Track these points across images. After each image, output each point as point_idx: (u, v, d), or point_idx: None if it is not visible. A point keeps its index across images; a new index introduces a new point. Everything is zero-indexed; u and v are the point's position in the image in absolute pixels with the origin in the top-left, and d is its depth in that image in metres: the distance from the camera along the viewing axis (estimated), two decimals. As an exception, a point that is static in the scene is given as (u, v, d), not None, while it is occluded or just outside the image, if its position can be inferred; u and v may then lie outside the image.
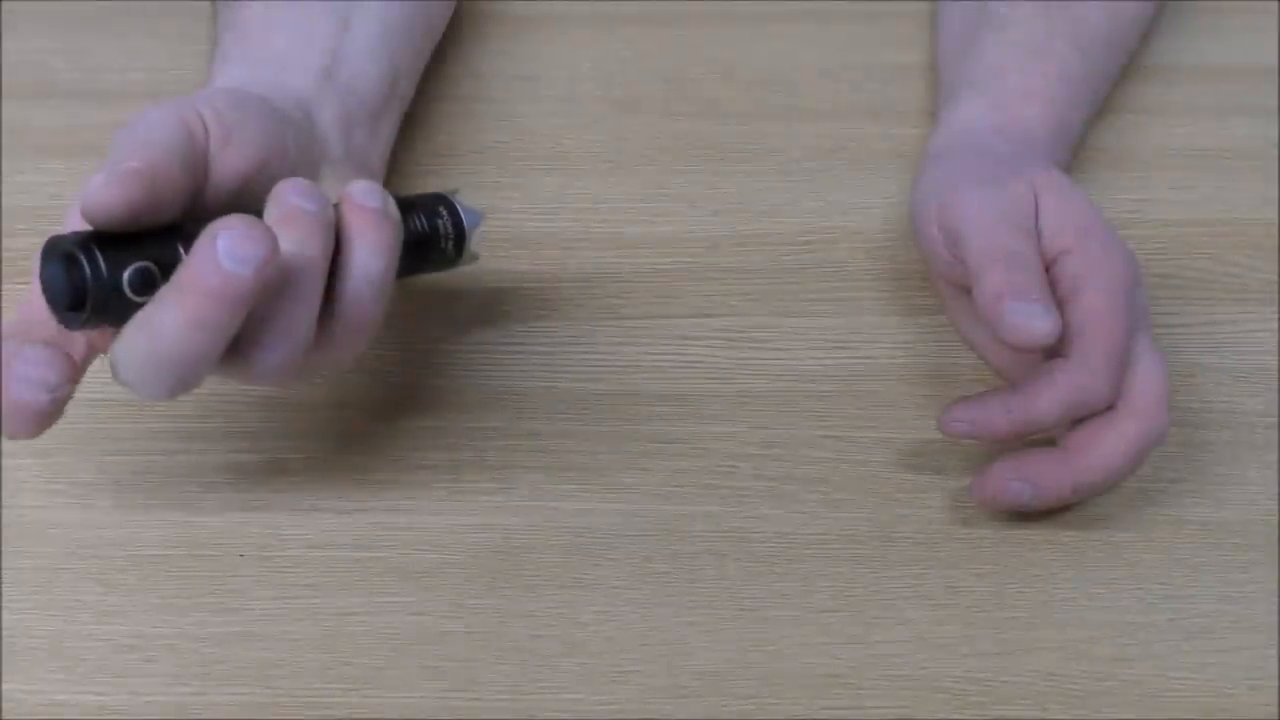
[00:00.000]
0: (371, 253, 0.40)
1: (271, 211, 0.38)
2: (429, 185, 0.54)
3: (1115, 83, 0.56)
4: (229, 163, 0.40)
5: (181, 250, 0.37)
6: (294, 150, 0.42)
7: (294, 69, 0.46)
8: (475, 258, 0.46)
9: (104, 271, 0.36)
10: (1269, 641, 0.44)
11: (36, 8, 0.60)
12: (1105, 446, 0.43)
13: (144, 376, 0.37)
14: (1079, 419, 0.44)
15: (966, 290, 0.44)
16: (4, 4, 0.60)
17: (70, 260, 0.36)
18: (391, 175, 0.51)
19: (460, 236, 0.45)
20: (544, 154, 0.56)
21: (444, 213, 0.44)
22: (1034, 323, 0.41)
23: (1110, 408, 0.43)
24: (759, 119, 0.57)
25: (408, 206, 0.44)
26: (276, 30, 0.47)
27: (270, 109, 0.42)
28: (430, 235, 0.44)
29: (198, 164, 0.39)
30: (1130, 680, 0.43)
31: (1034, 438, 0.45)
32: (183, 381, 0.37)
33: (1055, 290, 0.43)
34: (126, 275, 0.36)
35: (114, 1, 0.60)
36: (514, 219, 0.53)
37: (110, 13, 0.60)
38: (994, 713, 0.42)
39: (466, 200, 0.45)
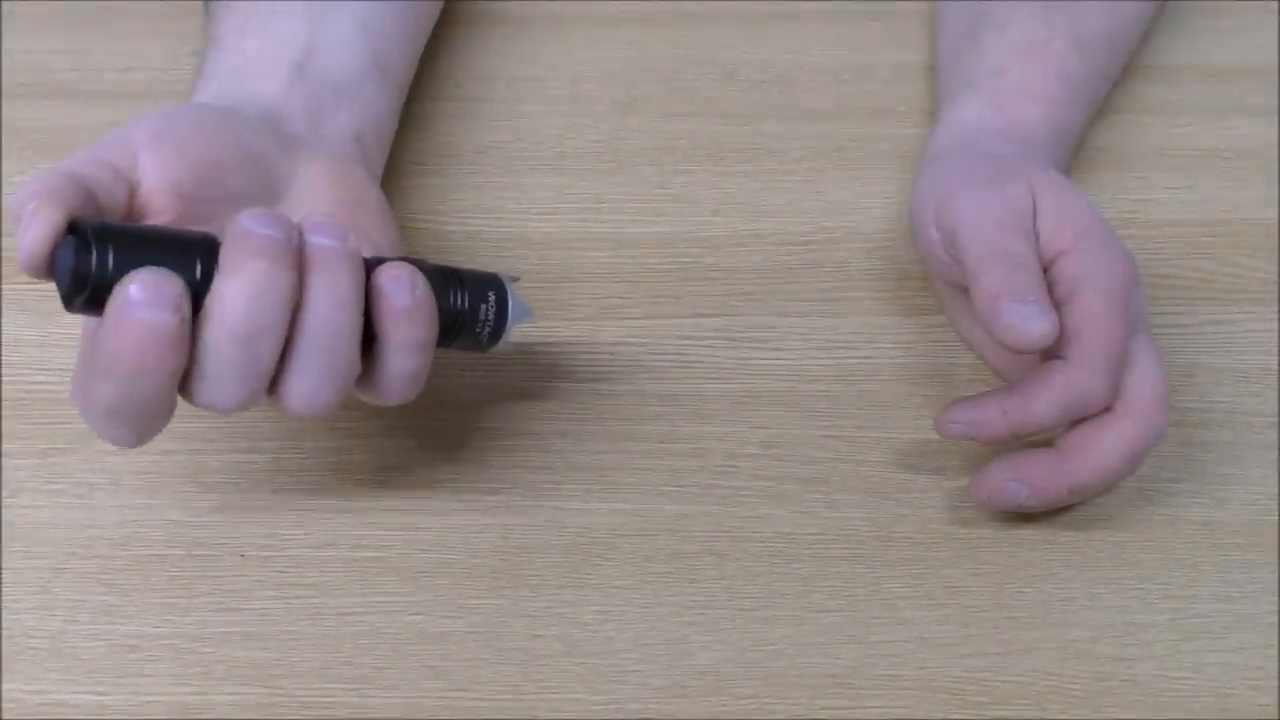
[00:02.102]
0: (404, 352, 0.39)
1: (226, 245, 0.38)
2: (429, 185, 0.54)
3: (1115, 83, 0.56)
4: (157, 171, 0.40)
5: (199, 266, 0.37)
6: (253, 148, 0.42)
7: (262, 74, 0.47)
8: (508, 349, 0.44)
9: (109, 270, 0.36)
10: (1269, 641, 0.44)
11: (36, 8, 0.60)
12: (1103, 447, 0.43)
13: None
14: (1077, 420, 0.44)
15: (965, 291, 0.44)
16: (4, 4, 0.60)
17: (84, 246, 0.36)
18: (391, 175, 0.51)
19: (499, 326, 0.43)
20: (544, 154, 0.55)
21: (491, 298, 0.42)
22: (1031, 324, 0.41)
23: (1108, 408, 0.43)
24: (759, 119, 0.57)
25: (454, 279, 0.42)
26: (250, 36, 0.48)
27: (216, 117, 0.43)
28: (467, 317, 0.42)
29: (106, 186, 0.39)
30: (1130, 680, 0.43)
31: (1032, 439, 0.45)
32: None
33: (1053, 291, 0.43)
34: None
35: (114, 1, 0.60)
36: (514, 219, 0.53)
37: (110, 13, 0.60)
38: (993, 713, 0.42)
39: (520, 293, 0.44)
